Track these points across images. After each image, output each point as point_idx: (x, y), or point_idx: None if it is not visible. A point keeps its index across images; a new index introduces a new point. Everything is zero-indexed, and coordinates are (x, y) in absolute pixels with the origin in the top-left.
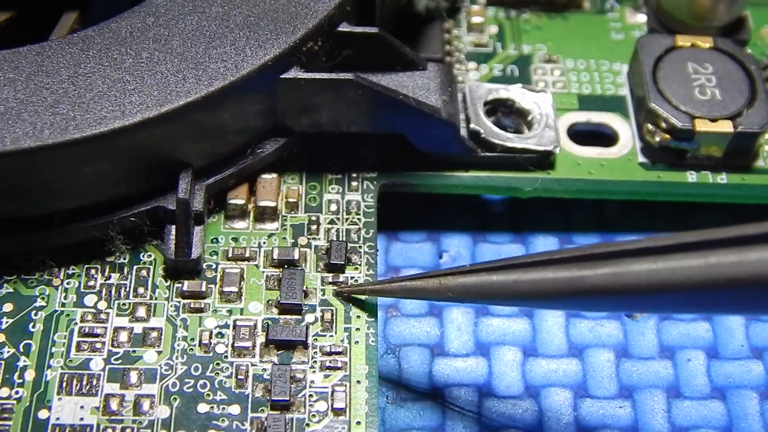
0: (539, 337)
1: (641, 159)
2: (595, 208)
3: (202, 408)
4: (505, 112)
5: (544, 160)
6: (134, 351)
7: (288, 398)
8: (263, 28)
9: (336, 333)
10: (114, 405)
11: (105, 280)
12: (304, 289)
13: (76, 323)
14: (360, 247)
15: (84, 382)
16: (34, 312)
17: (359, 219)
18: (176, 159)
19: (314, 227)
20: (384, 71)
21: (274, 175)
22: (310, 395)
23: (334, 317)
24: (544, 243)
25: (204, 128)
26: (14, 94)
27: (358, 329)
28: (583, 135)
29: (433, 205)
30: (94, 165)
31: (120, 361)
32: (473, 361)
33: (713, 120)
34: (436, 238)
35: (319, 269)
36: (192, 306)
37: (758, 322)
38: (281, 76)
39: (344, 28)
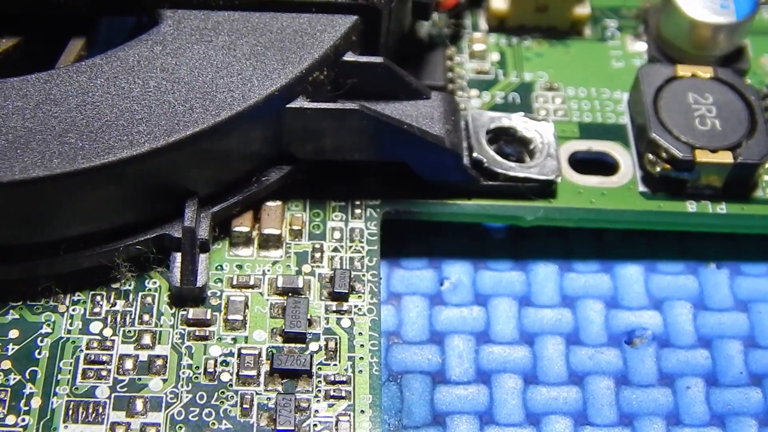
0: (540, 364)
1: (642, 188)
2: (595, 236)
3: None
4: (507, 140)
5: (546, 189)
6: (140, 379)
7: (293, 428)
8: (270, 58)
9: (340, 362)
10: None
11: (110, 307)
12: (308, 317)
13: (81, 350)
14: (363, 275)
15: (90, 410)
16: (39, 339)
17: (362, 247)
18: (182, 187)
19: (318, 255)
20: (388, 100)
21: (279, 203)
22: (315, 425)
23: (338, 346)
24: (545, 270)
25: (211, 157)
26: (23, 122)
27: (361, 358)
28: (584, 163)
29: (434, 232)
30: (101, 193)
31: (126, 389)
32: (474, 388)
33: (713, 151)
34: (437, 265)
35: (323, 297)
36: (197, 334)
37: (757, 350)
38: (287, 106)
39: (349, 57)
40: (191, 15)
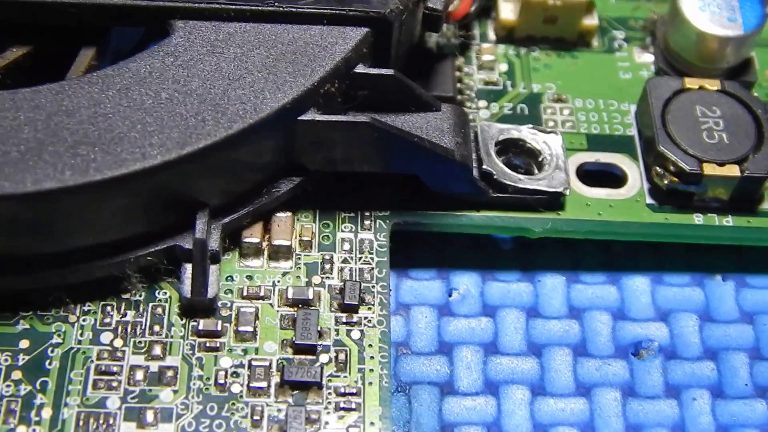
0: (547, 375)
1: (649, 200)
2: (603, 247)
3: None
4: (516, 152)
5: (554, 202)
6: (150, 390)
7: None
8: (281, 70)
9: (350, 374)
10: None
11: (121, 318)
12: (319, 329)
13: (92, 361)
14: (373, 287)
15: (101, 421)
16: (50, 349)
17: (372, 258)
18: (194, 199)
19: (328, 266)
20: (398, 112)
21: (289, 214)
22: None
23: (348, 357)
24: (552, 281)
25: (222, 169)
26: (35, 134)
27: (371, 370)
28: (592, 175)
29: (443, 243)
30: (113, 205)
31: (136, 400)
32: (482, 399)
33: (721, 164)
34: (445, 275)
35: (333, 309)
36: (207, 345)
37: (763, 362)
38: (299, 118)
39: (360, 69)
40: (202, 26)
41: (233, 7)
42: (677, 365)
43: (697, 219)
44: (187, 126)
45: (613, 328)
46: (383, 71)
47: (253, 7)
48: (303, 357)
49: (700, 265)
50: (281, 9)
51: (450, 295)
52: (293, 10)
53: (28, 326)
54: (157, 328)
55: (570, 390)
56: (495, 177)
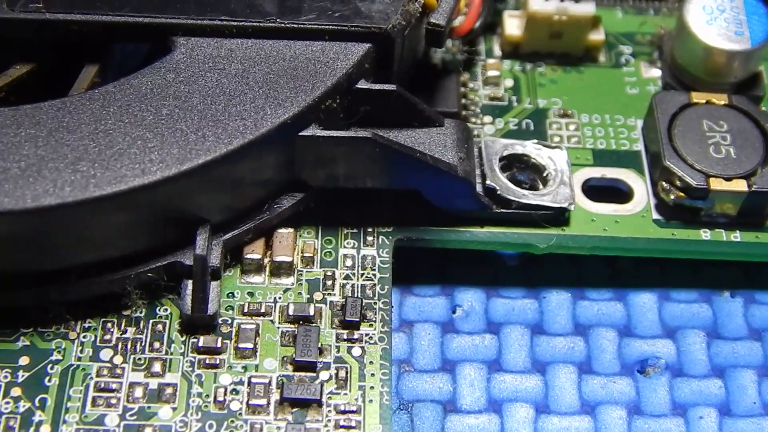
0: (551, 393)
1: (655, 216)
2: (608, 263)
3: None
4: (520, 167)
5: (559, 217)
6: (149, 407)
7: None
8: (282, 86)
9: (350, 391)
10: None
11: (121, 334)
12: (319, 346)
13: (91, 378)
14: (375, 303)
15: None
16: (50, 366)
17: (374, 274)
18: (194, 215)
19: (330, 282)
20: (401, 127)
21: (291, 230)
22: None
23: (349, 375)
24: (557, 298)
25: (223, 185)
26: (35, 150)
27: (372, 388)
28: (597, 190)
29: (447, 259)
30: (113, 221)
31: (135, 417)
32: (486, 418)
33: (728, 179)
34: (449, 292)
35: (334, 326)
36: (207, 362)
37: None
38: (300, 134)
39: (362, 85)
40: (204, 43)
41: (235, 23)
42: (684, 383)
43: (705, 235)
44: (188, 142)
45: (618, 345)
46: (385, 87)
47: (254, 24)
48: (303, 374)
49: (708, 281)
50: (283, 25)
51: (454, 312)
52: (295, 26)
53: (28, 343)
54: (157, 344)
55: (575, 408)
56: (499, 192)
